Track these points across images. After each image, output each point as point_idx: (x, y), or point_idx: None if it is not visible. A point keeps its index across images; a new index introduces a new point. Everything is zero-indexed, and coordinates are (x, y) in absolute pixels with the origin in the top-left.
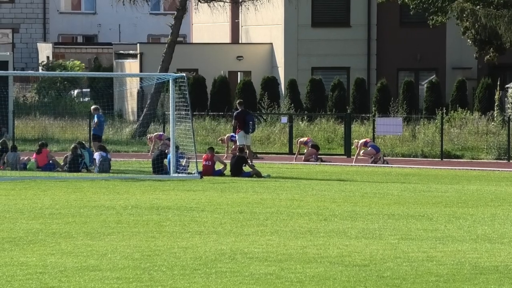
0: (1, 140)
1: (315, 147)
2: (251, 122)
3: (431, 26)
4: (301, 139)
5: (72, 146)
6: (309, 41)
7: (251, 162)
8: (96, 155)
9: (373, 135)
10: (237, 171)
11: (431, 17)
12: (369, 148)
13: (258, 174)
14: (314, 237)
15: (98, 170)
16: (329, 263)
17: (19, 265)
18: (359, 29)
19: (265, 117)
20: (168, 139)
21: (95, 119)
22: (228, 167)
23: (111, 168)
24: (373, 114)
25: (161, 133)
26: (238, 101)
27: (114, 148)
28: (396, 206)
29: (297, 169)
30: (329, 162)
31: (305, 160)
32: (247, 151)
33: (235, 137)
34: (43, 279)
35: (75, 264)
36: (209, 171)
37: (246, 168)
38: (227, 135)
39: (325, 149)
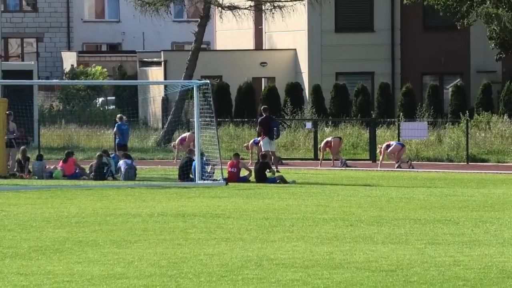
0: (21, 149)
1: (338, 138)
2: (275, 128)
3: (459, 28)
4: (322, 144)
5: (97, 154)
6: (333, 46)
7: (277, 168)
8: (121, 163)
9: (398, 139)
10: (261, 177)
11: (460, 21)
12: (393, 145)
13: (282, 179)
14: (340, 242)
15: (123, 177)
16: (355, 268)
17: (46, 274)
18: (383, 34)
19: (289, 123)
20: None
21: (115, 128)
22: (253, 174)
23: (137, 175)
24: (398, 118)
25: (183, 135)
26: (263, 107)
27: (139, 156)
28: (422, 210)
29: (322, 174)
30: (354, 167)
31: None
32: (273, 156)
33: (258, 140)
34: (70, 287)
35: (102, 272)
36: (234, 177)
37: (269, 174)
38: (251, 141)
39: (350, 154)
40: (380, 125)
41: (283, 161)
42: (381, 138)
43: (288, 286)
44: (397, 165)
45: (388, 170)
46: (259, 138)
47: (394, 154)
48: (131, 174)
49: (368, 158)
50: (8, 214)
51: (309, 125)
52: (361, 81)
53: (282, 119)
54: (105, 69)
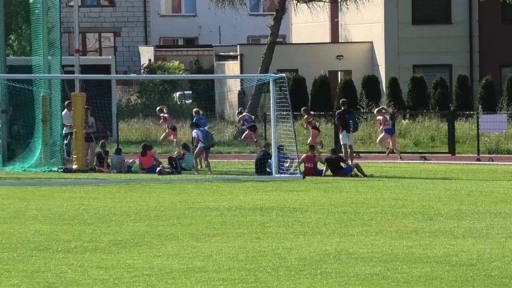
0: (101, 143)
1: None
2: (351, 121)
3: None
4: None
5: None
6: (410, 38)
7: (351, 161)
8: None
9: (477, 132)
10: (336, 170)
11: None
12: (382, 134)
13: (358, 167)
14: (420, 236)
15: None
16: (435, 262)
17: (126, 267)
18: (461, 26)
19: (365, 116)
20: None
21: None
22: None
23: (211, 169)
24: (477, 111)
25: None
26: (341, 100)
27: (216, 150)
28: (502, 204)
29: (400, 168)
30: (433, 160)
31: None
32: (349, 150)
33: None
34: (149, 281)
35: (181, 265)
36: (311, 172)
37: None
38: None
39: (429, 147)
40: (459, 118)
41: (360, 155)
42: (460, 131)
43: (367, 280)
44: (387, 152)
45: (467, 163)
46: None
47: (384, 142)
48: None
49: (447, 151)
50: (88, 208)
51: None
52: (438, 73)
53: (358, 112)
54: (182, 64)
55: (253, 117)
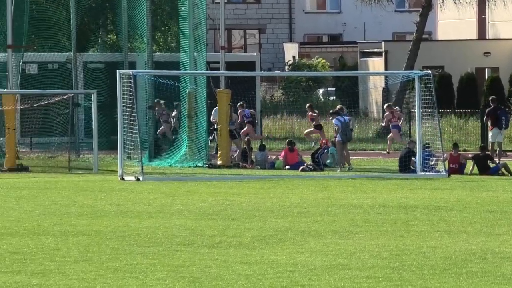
0: (246, 139)
1: None
2: (503, 118)
3: None
4: None
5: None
6: None
7: (499, 159)
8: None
9: None
10: (483, 169)
11: None
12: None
13: (506, 167)
14: None
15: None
16: None
17: (270, 263)
18: None
19: None
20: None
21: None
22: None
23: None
24: None
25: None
26: (491, 97)
27: (360, 147)
28: None
29: None
30: None
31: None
32: (497, 148)
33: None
34: (293, 277)
35: (324, 262)
36: (455, 172)
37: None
38: None
39: None
40: None
41: (507, 153)
42: None
43: None
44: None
45: None
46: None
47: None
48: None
49: None
50: (232, 203)
51: None
52: None
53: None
54: (326, 61)
55: (254, 112)
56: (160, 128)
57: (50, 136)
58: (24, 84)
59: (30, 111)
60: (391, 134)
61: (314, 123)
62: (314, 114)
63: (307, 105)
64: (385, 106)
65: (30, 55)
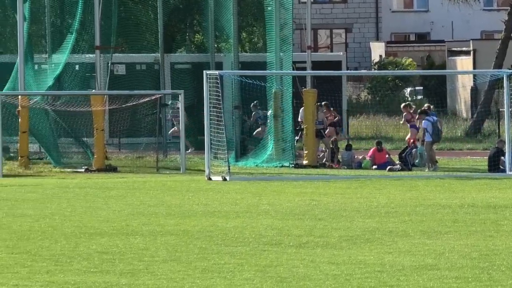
0: (332, 139)
1: None
2: None
3: None
4: None
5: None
6: None
7: None
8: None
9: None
10: None
11: None
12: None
13: None
14: None
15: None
16: None
17: (357, 264)
18: None
19: None
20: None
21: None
22: None
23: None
24: None
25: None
26: None
27: (448, 146)
28: None
29: None
30: None
31: None
32: None
33: None
34: (381, 277)
35: (413, 263)
36: None
37: None
38: None
39: None
40: None
41: None
42: None
43: None
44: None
45: None
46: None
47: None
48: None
49: None
50: (319, 203)
51: None
52: None
53: None
54: (412, 60)
55: (267, 113)
56: (257, 130)
57: (138, 137)
58: (112, 85)
59: (118, 112)
60: (410, 134)
61: (409, 124)
62: (410, 113)
63: (403, 104)
64: (402, 106)
65: (118, 56)
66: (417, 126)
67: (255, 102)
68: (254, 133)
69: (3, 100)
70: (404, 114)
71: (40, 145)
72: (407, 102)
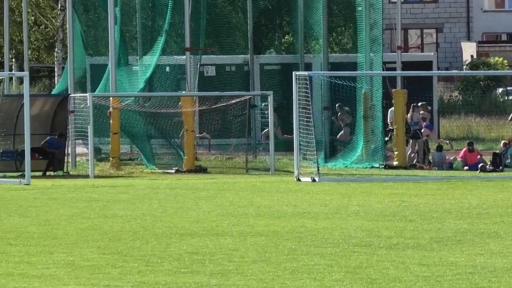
0: (424, 140)
1: None
2: None
3: None
4: None
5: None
6: None
7: None
8: None
9: None
10: None
11: None
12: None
13: None
14: None
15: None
16: None
17: (448, 265)
18: None
19: None
20: None
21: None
22: None
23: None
24: None
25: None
26: None
27: None
28: None
29: None
30: None
31: None
32: None
33: None
34: (472, 279)
35: (505, 264)
36: None
37: None
38: None
39: None
40: None
41: None
42: None
43: None
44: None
45: None
46: None
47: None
48: None
49: None
50: (409, 204)
51: None
52: None
53: None
54: (506, 61)
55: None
56: (340, 133)
57: (228, 138)
58: (202, 86)
59: (208, 113)
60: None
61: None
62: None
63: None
64: (420, 105)
65: (207, 58)
66: None
67: (338, 103)
68: (338, 136)
69: (94, 102)
70: (421, 113)
71: (135, 146)
72: (423, 102)
